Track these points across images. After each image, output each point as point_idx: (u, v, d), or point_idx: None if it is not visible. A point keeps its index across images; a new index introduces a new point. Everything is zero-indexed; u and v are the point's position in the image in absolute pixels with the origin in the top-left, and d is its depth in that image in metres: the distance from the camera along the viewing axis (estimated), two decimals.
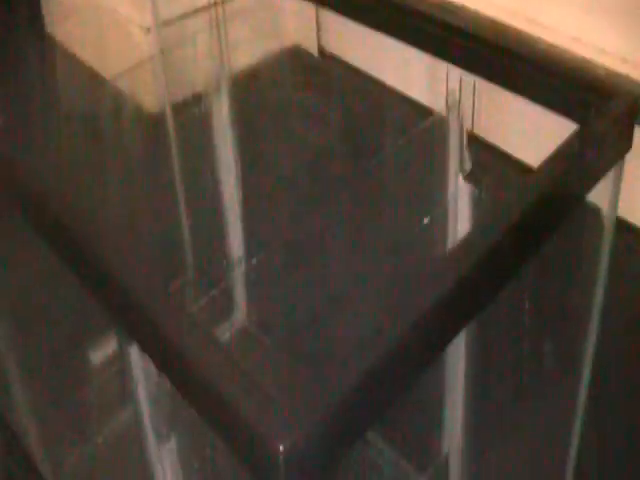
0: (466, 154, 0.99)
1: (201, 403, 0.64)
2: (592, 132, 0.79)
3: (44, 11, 2.27)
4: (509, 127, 1.86)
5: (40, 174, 0.79)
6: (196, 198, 1.68)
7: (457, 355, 1.10)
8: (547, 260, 0.85)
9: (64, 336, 1.55)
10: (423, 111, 2.04)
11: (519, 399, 1.27)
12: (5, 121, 0.86)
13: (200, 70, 1.56)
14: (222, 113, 1.51)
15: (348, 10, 1.08)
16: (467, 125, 1.01)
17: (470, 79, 0.97)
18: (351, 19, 1.07)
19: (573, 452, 1.10)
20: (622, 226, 0.97)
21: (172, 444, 0.83)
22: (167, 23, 1.70)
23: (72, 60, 2.40)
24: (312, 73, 2.30)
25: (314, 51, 2.36)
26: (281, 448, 0.55)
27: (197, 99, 1.58)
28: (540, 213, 0.74)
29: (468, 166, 0.99)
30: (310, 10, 2.28)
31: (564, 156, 0.76)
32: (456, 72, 0.98)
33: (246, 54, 2.24)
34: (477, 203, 0.99)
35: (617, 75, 1.65)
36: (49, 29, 2.32)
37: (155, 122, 1.95)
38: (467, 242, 0.71)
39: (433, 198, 1.03)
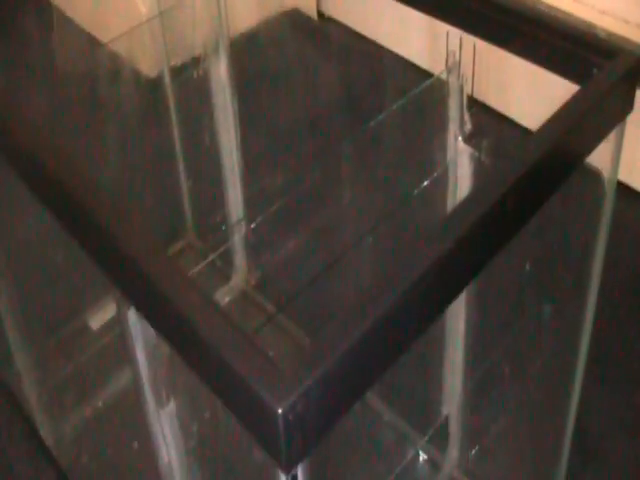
0: (466, 116, 0.98)
1: (200, 366, 0.64)
2: (593, 93, 0.79)
3: None
4: (509, 89, 1.85)
5: (38, 137, 0.79)
6: (195, 161, 1.67)
7: (457, 317, 1.11)
8: (548, 222, 0.85)
9: (64, 300, 1.55)
10: (422, 73, 2.03)
11: (519, 360, 1.28)
12: (2, 84, 0.86)
13: (199, 33, 1.55)
14: (221, 76, 1.49)
15: None
16: (467, 87, 1.00)
17: (470, 40, 0.96)
18: None
19: (573, 411, 1.10)
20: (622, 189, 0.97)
21: (171, 407, 0.83)
22: None
23: (69, 24, 2.38)
24: (311, 36, 2.28)
25: (313, 14, 2.35)
26: (280, 410, 0.55)
27: (196, 62, 1.56)
28: (540, 175, 0.74)
29: (468, 128, 0.98)
30: None
31: (565, 117, 0.75)
32: (456, 33, 0.97)
33: (245, 17, 2.22)
34: (477, 165, 0.98)
35: (618, 36, 1.64)
36: None
37: (154, 85, 1.94)
38: (467, 203, 0.70)
39: (433, 160, 1.03)
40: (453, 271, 0.67)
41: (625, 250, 1.59)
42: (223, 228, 1.53)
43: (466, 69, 1.01)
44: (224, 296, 1.53)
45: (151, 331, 0.75)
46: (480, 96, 1.04)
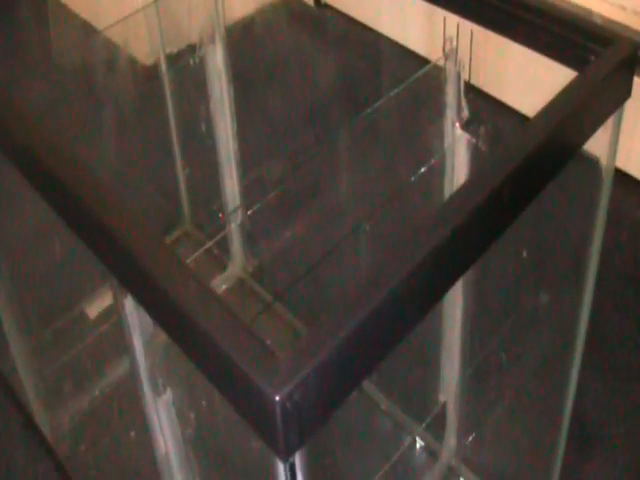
0: (463, 103, 0.98)
1: (197, 354, 0.64)
2: (591, 80, 0.78)
3: None
4: (507, 76, 1.84)
5: (33, 126, 0.79)
6: (192, 149, 1.67)
7: (454, 305, 1.11)
8: (545, 210, 0.85)
9: (60, 289, 1.55)
10: (421, 60, 2.02)
11: (516, 349, 1.28)
12: None
13: (195, 20, 1.54)
14: (217, 64, 1.49)
15: None
16: (464, 74, 0.99)
17: (467, 26, 0.96)
18: None
19: (570, 399, 1.10)
20: (619, 176, 0.97)
21: (168, 396, 0.83)
22: None
23: (64, 10, 2.37)
24: (307, 23, 2.28)
25: (309, 1, 2.34)
26: (277, 398, 0.55)
27: (192, 50, 1.56)
28: (537, 162, 0.74)
29: (465, 115, 0.98)
30: None
31: (562, 104, 0.75)
32: (454, 19, 0.97)
33: (241, 4, 2.21)
34: (474, 152, 0.98)
35: (616, 22, 1.63)
36: None
37: (150, 73, 1.93)
38: (464, 191, 0.70)
39: (430, 147, 1.03)
40: (450, 259, 0.67)
41: (623, 237, 1.59)
42: (220, 216, 1.53)
43: (463, 55, 1.01)
44: (221, 284, 1.53)
45: (148, 319, 0.75)
46: (477, 82, 1.04)
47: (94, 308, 1.48)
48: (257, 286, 1.51)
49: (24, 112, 0.80)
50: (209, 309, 0.61)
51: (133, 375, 0.82)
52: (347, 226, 1.30)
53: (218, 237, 1.50)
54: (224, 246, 1.56)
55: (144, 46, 2.06)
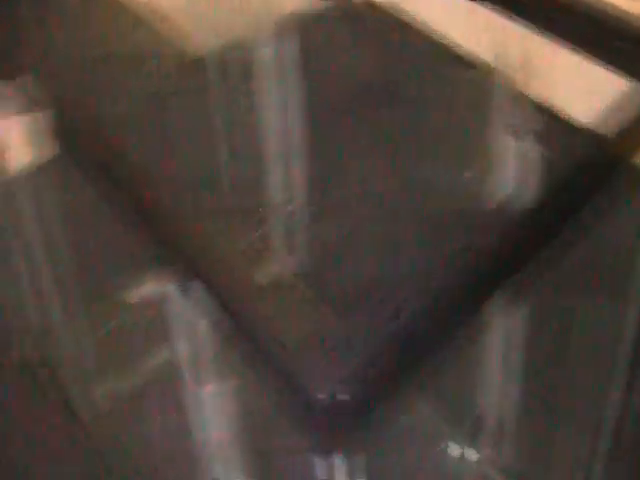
0: (514, 110, 0.97)
1: (244, 347, 0.65)
2: None
3: None
4: (558, 82, 1.83)
5: (86, 112, 0.80)
6: (238, 143, 1.68)
7: (498, 314, 1.09)
8: (596, 220, 0.84)
9: (107, 270, 1.57)
10: (468, 62, 2.01)
11: (559, 362, 1.26)
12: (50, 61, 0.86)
13: (247, 13, 1.55)
14: (266, 58, 1.50)
15: None
16: (515, 79, 0.99)
17: (520, 31, 0.95)
18: None
19: (612, 412, 1.09)
20: None
21: (212, 388, 0.83)
22: None
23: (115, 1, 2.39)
24: (357, 21, 2.28)
25: (360, 0, 2.34)
26: (322, 396, 0.55)
27: (241, 43, 1.57)
28: (586, 172, 0.73)
29: (514, 121, 0.97)
30: None
31: (615, 115, 0.75)
32: (506, 23, 0.96)
33: (292, 1, 2.22)
34: (524, 160, 0.97)
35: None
36: None
37: (199, 64, 1.95)
38: (511, 198, 0.70)
39: (479, 152, 1.02)
40: (495, 267, 0.67)
41: None
42: (263, 211, 1.53)
43: (516, 62, 1.00)
44: (262, 279, 1.53)
45: (196, 308, 0.75)
46: (528, 88, 1.03)
47: (137, 293, 1.49)
48: (298, 282, 1.51)
49: (75, 99, 0.81)
50: (258, 302, 0.62)
51: (178, 364, 0.82)
52: (392, 226, 1.30)
53: (261, 231, 1.50)
54: (265, 241, 1.56)
55: (193, 38, 2.07)
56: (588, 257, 1.25)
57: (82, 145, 0.82)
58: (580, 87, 1.65)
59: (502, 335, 1.12)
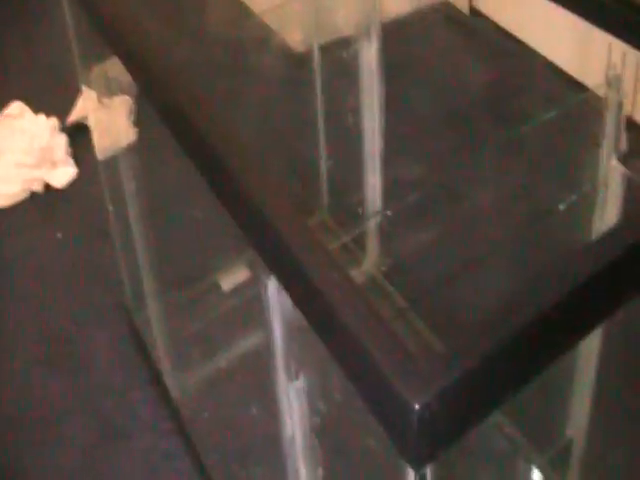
0: (622, 135, 0.95)
1: (336, 346, 0.63)
2: None
3: None
4: None
5: (190, 99, 0.81)
6: (336, 141, 1.68)
7: (592, 343, 1.06)
8: None
9: (200, 257, 1.59)
10: (571, 81, 1.98)
11: None
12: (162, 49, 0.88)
13: (351, 14, 1.56)
14: (370, 59, 1.50)
15: None
16: (626, 105, 0.97)
17: (633, 55, 0.94)
18: None
19: None
20: None
21: (300, 382, 0.83)
22: None
23: None
24: (460, 31, 2.26)
25: (465, 9, 2.33)
26: (417, 406, 0.55)
27: (343, 42, 1.58)
28: None
29: (624, 148, 0.95)
30: None
31: None
32: (618, 45, 0.94)
33: (397, 4, 2.22)
34: (630, 187, 0.96)
35: None
36: None
37: (301, 60, 1.96)
38: (615, 230, 0.69)
39: (582, 176, 1.01)
40: (597, 296, 0.66)
41: None
42: (359, 211, 1.54)
43: (626, 86, 0.98)
44: (356, 278, 1.53)
45: (289, 302, 0.74)
46: (637, 117, 1.01)
47: (229, 281, 1.51)
48: (389, 287, 1.51)
49: (181, 81, 0.82)
50: (353, 303, 0.61)
51: (268, 355, 0.82)
52: (486, 242, 1.29)
53: (356, 232, 1.51)
54: (360, 242, 1.57)
55: (298, 33, 2.09)
56: None
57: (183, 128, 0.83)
58: None
59: (598, 365, 1.08)
